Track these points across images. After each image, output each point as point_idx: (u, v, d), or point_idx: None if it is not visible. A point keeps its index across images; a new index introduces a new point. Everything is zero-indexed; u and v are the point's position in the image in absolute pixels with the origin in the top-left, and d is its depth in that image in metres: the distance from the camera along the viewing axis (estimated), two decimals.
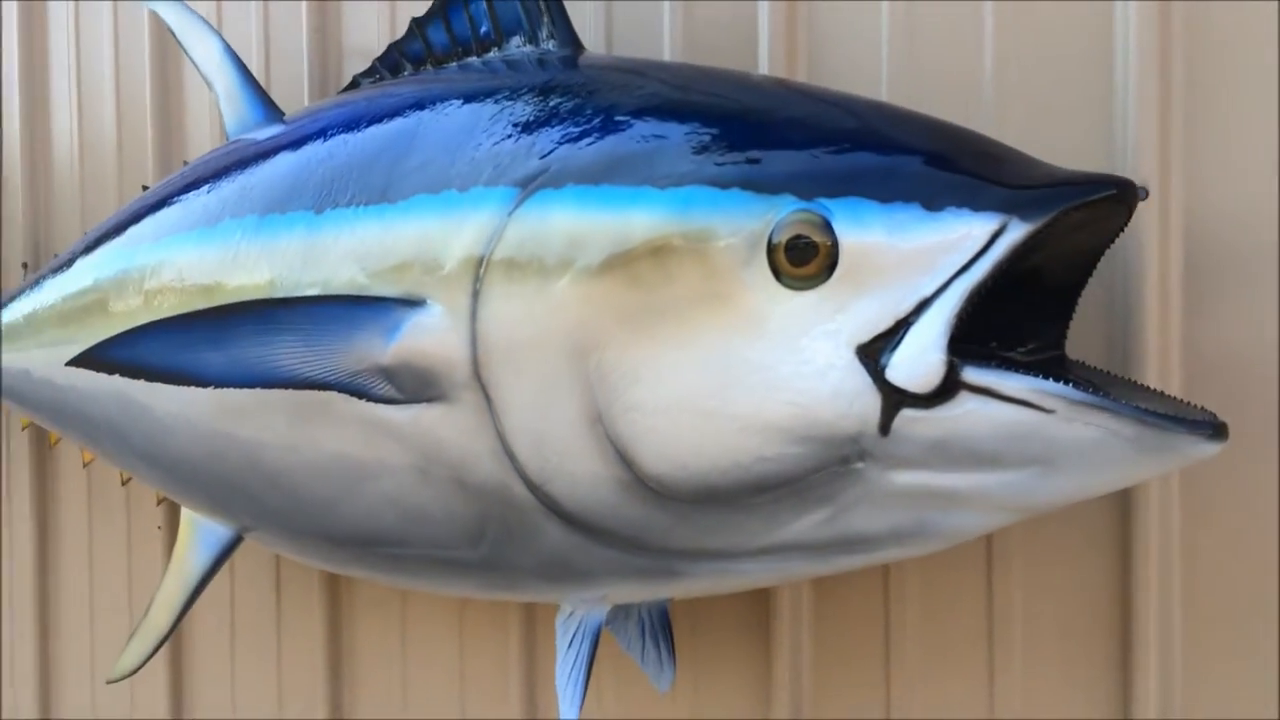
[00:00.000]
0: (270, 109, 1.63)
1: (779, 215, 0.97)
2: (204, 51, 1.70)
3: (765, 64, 1.44)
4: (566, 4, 1.41)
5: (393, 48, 1.50)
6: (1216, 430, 0.89)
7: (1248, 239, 1.22)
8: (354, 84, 1.55)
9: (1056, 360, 1.02)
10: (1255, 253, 1.23)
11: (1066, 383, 0.89)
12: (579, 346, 1.05)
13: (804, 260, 0.96)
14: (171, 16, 1.74)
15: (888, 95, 1.38)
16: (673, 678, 1.39)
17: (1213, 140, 1.24)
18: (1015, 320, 1.02)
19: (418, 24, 1.46)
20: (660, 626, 1.36)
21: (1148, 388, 1.02)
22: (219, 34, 1.71)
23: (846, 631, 1.43)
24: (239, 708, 2.01)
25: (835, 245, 0.95)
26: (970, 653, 1.35)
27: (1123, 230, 0.98)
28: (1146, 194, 1.05)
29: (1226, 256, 1.23)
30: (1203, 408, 0.94)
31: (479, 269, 1.12)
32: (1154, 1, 1.25)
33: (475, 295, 1.12)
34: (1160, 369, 1.24)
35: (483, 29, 1.39)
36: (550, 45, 1.34)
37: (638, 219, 1.03)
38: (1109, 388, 0.94)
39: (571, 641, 1.31)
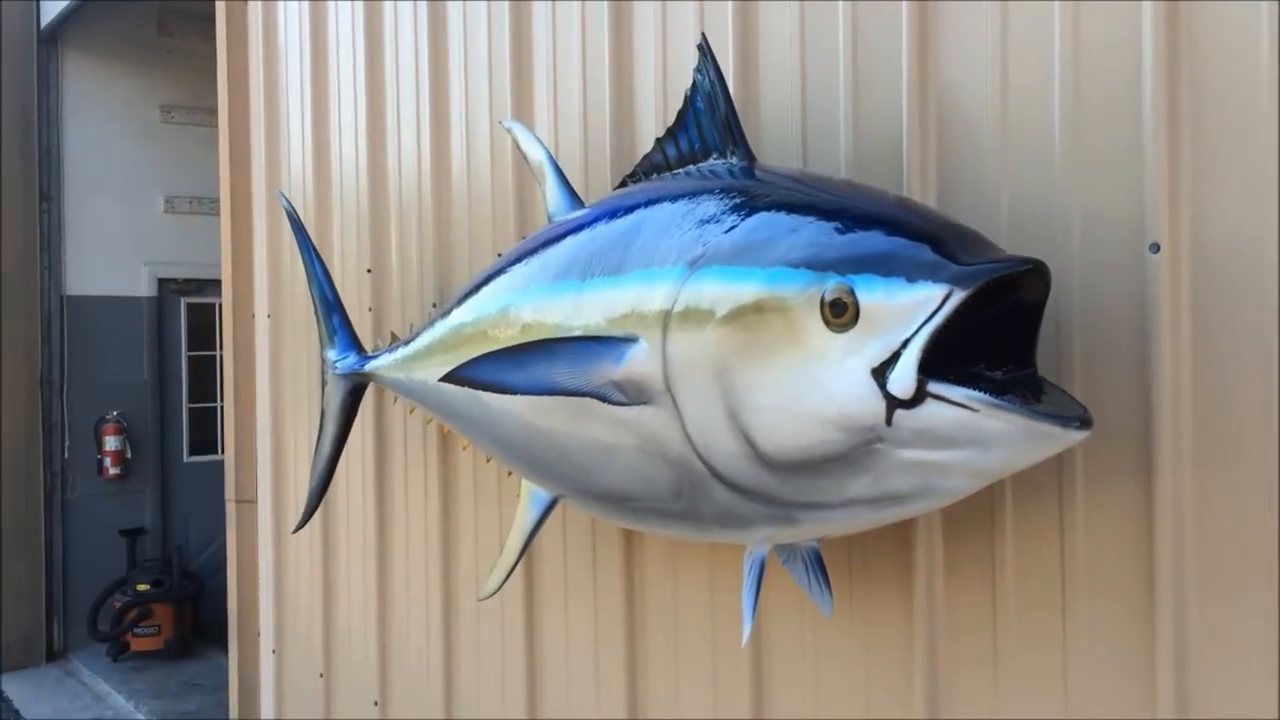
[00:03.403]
0: (573, 198, 2.32)
1: (825, 285, 1.50)
2: (535, 156, 2.43)
3: (905, 169, 1.94)
4: (772, 125, 2.01)
5: (646, 157, 2.14)
6: (1082, 422, 1.33)
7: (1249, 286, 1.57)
8: (623, 182, 2.21)
9: (1025, 376, 1.47)
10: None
11: (989, 391, 1.36)
12: (718, 368, 1.64)
13: (841, 314, 1.49)
14: (517, 132, 2.49)
15: (988, 180, 1.84)
16: (831, 605, 1.92)
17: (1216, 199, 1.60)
18: (1005, 347, 1.49)
19: (659, 142, 2.09)
20: (816, 565, 1.90)
21: (1064, 394, 1.45)
22: (545, 145, 2.43)
23: (967, 568, 1.90)
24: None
25: (858, 304, 1.47)
26: (1047, 587, 1.78)
27: (1048, 291, 1.43)
28: (1158, 248, 1.50)
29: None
30: (1083, 406, 1.37)
31: (666, 319, 1.73)
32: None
33: (665, 335, 1.73)
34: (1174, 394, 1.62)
35: (695, 146, 2.00)
36: (734, 159, 1.93)
37: (748, 288, 1.60)
38: (1036, 395, 1.40)
39: (749, 570, 1.89)
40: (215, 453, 8.97)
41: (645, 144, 2.44)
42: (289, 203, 3.24)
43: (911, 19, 1.94)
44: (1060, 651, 1.76)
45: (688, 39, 2.39)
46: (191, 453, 8.94)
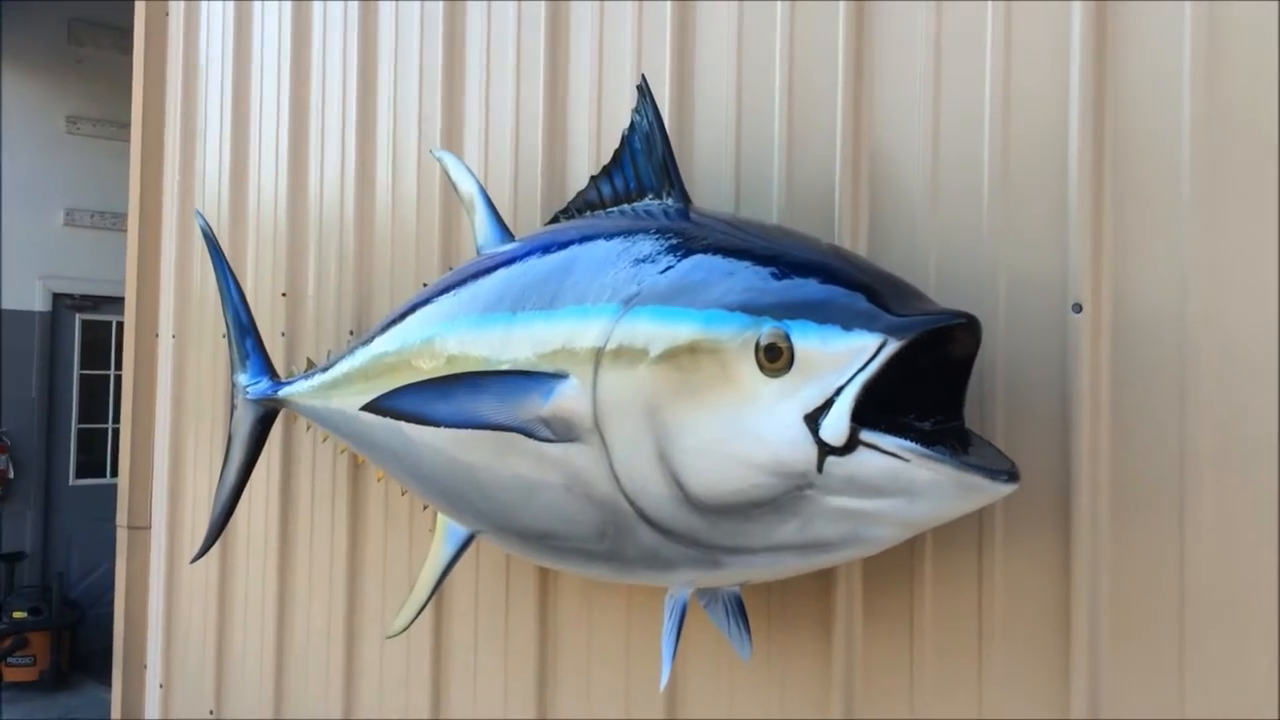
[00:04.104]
0: (504, 231, 2.31)
1: (761, 329, 1.51)
2: (465, 188, 2.41)
3: (837, 219, 1.97)
4: (708, 168, 2.03)
5: (579, 194, 2.13)
6: (1010, 476, 1.35)
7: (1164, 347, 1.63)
8: (555, 218, 2.20)
9: (954, 428, 1.50)
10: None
11: (919, 442, 1.38)
12: (650, 408, 1.63)
13: (775, 358, 1.49)
14: (448, 162, 2.46)
15: (919, 235, 1.88)
16: (750, 649, 1.92)
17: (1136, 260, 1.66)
18: (936, 399, 1.51)
19: (594, 180, 2.09)
20: (736, 609, 1.90)
21: (991, 446, 1.48)
22: (476, 177, 2.41)
23: (885, 614, 1.91)
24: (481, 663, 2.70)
25: (793, 349, 1.48)
26: (965, 637, 1.80)
27: (978, 345, 1.46)
28: (1080, 308, 1.54)
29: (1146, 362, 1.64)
30: (1011, 461, 1.40)
31: (598, 356, 1.72)
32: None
33: (596, 372, 1.72)
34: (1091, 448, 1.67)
35: (631, 186, 2.01)
36: (670, 200, 1.94)
37: (682, 328, 1.60)
38: (964, 446, 1.42)
39: (670, 613, 1.87)
40: (103, 475, 8.69)
41: (577, 181, 2.46)
42: (205, 222, 3.16)
43: (847, 71, 1.98)
44: (976, 697, 1.78)
45: (624, 77, 2.40)
46: (78, 475, 8.63)
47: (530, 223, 2.54)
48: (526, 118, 2.64)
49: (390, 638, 2.59)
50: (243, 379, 2.97)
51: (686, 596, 1.86)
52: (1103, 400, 1.66)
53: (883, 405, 1.45)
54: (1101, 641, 1.65)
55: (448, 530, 2.30)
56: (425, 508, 2.74)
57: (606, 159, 2.10)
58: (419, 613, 2.36)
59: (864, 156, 1.97)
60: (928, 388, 1.50)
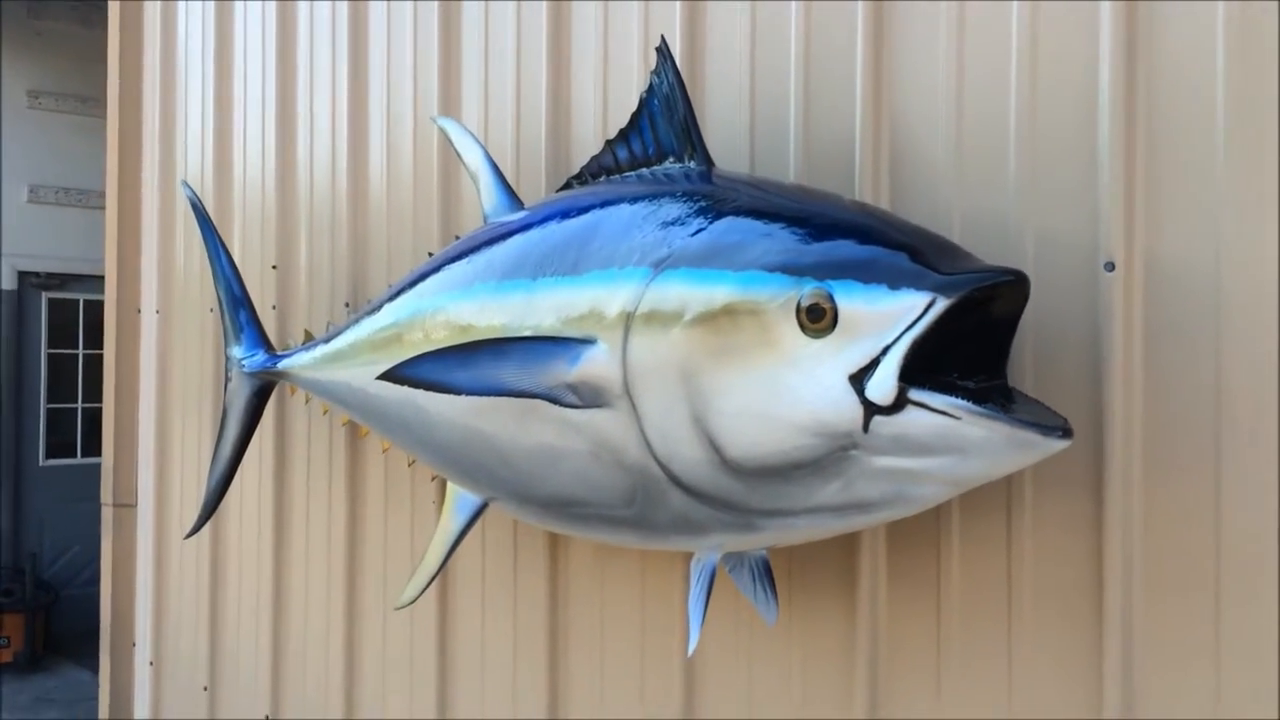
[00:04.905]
0: (514, 199, 2.27)
1: (803, 290, 1.50)
2: (470, 155, 2.37)
3: (858, 178, 1.95)
4: (721, 129, 2.00)
5: (594, 159, 2.10)
6: (1064, 432, 1.35)
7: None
8: (568, 184, 2.17)
9: (998, 386, 1.49)
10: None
11: (970, 399, 1.37)
12: (685, 372, 1.61)
13: (818, 319, 1.48)
14: (451, 129, 2.42)
15: (941, 194, 1.87)
16: (776, 614, 1.91)
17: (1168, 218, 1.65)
18: (978, 358, 1.50)
19: (610, 144, 2.06)
20: (763, 573, 1.89)
21: (1039, 404, 1.48)
22: (481, 143, 2.38)
23: (910, 586, 1.91)
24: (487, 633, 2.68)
25: (836, 310, 1.47)
26: (993, 600, 1.81)
27: (1025, 303, 1.45)
28: (1112, 266, 1.53)
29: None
30: (1061, 416, 1.40)
31: (628, 320, 1.69)
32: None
33: (626, 337, 1.70)
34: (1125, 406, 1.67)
35: (650, 150, 1.98)
36: (692, 163, 1.91)
37: (720, 291, 1.58)
38: (1011, 404, 1.41)
39: (697, 578, 1.86)
40: (74, 456, 8.57)
41: (583, 148, 2.42)
42: (193, 192, 3.10)
43: (867, 23, 1.95)
44: (1006, 662, 1.78)
45: (632, 35, 2.37)
46: (48, 455, 8.50)
47: (534, 192, 2.50)
48: (528, 82, 2.60)
49: (399, 609, 2.57)
50: (238, 352, 2.92)
51: (715, 561, 1.85)
52: (1135, 359, 1.66)
53: (925, 365, 1.44)
54: (1134, 604, 1.66)
55: (459, 500, 2.27)
56: (434, 478, 2.71)
57: (615, 124, 2.07)
58: (429, 583, 2.33)
59: (885, 112, 1.95)
60: (969, 347, 1.49)
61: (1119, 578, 1.67)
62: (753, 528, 1.70)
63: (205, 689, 3.69)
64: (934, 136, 1.89)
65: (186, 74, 3.94)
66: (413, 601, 2.35)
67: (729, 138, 2.17)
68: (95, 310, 7.89)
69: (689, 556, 2.21)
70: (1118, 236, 1.67)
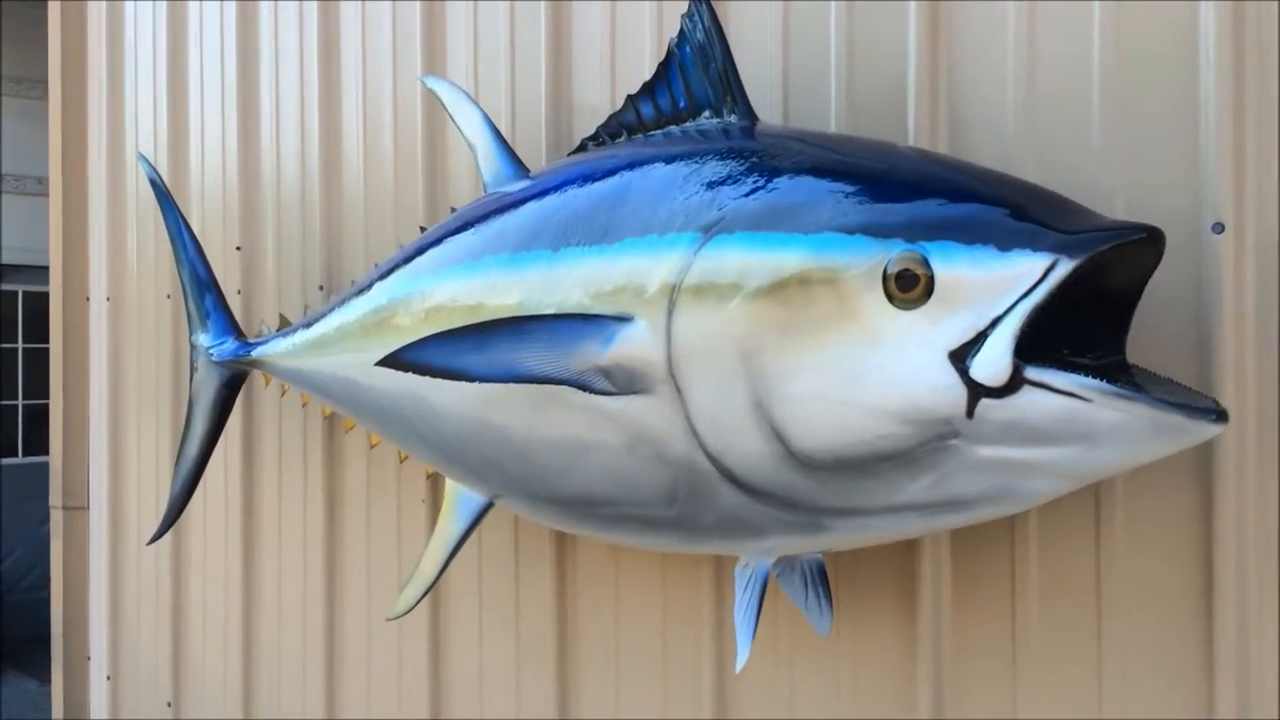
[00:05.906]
0: (519, 166, 2.04)
1: (891, 254, 1.29)
2: (466, 118, 2.13)
3: (912, 131, 1.75)
4: (750, 80, 1.77)
5: (612, 117, 1.88)
6: (1219, 415, 1.15)
7: None
8: (582, 146, 1.94)
9: (1117, 363, 1.29)
10: None
11: (1101, 378, 1.17)
12: (745, 352, 1.40)
13: (909, 288, 1.27)
14: (443, 90, 2.18)
15: (1011, 149, 1.67)
16: (830, 624, 1.71)
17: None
18: (1087, 333, 1.31)
19: (631, 100, 1.84)
20: (819, 578, 1.69)
21: (1175, 383, 1.28)
22: (479, 105, 2.14)
23: (978, 590, 1.72)
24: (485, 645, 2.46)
25: (932, 277, 1.26)
26: (1081, 605, 1.62)
27: (1157, 265, 1.26)
28: (1221, 228, 1.33)
29: None
30: (1211, 397, 1.20)
31: (673, 294, 1.48)
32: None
33: (670, 313, 1.48)
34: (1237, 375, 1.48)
35: (681, 104, 1.76)
36: (732, 118, 1.69)
37: (788, 257, 1.37)
38: (1144, 384, 1.21)
39: (746, 586, 1.65)
40: (14, 455, 8.18)
41: (587, 111, 2.20)
42: (151, 166, 2.82)
43: None
44: (1095, 678, 1.59)
45: None
46: None
47: (532, 160, 2.27)
48: (525, 38, 2.36)
49: (393, 620, 2.32)
50: (204, 339, 2.66)
51: (768, 566, 1.64)
52: (1248, 327, 1.48)
53: (1032, 341, 1.24)
54: (1249, 606, 1.47)
55: (460, 500, 2.05)
56: (428, 475, 2.47)
57: (624, 82, 1.85)
58: (425, 592, 2.11)
59: (943, 57, 1.74)
60: (1075, 320, 1.29)
61: (1232, 574, 1.48)
62: (818, 529, 1.50)
63: (169, 705, 3.42)
64: (1002, 85, 1.69)
65: (136, 43, 3.65)
66: (407, 612, 2.13)
67: (758, 90, 1.94)
68: (37, 301, 7.52)
69: (714, 557, 2.02)
70: (1226, 196, 1.48)
